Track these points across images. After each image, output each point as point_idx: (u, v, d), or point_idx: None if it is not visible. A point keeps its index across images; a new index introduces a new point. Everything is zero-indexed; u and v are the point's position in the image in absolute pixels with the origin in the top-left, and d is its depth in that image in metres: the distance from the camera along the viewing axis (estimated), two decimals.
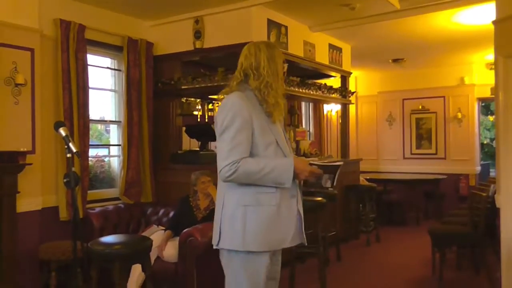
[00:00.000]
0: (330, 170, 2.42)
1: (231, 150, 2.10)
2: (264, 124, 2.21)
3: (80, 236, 2.67)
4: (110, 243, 3.21)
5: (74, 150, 2.45)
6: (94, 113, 5.60)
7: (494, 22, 3.84)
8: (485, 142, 14.98)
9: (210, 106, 6.17)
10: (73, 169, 2.44)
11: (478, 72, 8.67)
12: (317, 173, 2.25)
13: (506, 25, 3.67)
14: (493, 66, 4.16)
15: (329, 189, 2.44)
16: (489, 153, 14.52)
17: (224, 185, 2.21)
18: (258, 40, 2.53)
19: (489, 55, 7.78)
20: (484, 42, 6.55)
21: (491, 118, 14.79)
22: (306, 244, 2.33)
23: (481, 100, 9.03)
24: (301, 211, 2.31)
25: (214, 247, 2.26)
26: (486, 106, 13.90)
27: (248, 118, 2.14)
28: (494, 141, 15.14)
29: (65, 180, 2.51)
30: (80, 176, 4.55)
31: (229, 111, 2.15)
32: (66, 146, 2.45)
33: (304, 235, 2.32)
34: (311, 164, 2.28)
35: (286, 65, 2.40)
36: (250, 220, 2.13)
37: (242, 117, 2.13)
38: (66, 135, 2.50)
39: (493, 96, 4.35)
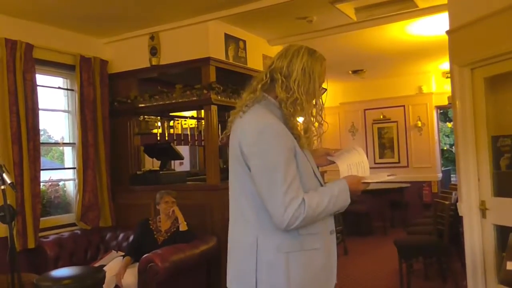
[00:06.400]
0: None
1: (288, 191, 1.63)
2: (300, 150, 1.76)
3: (18, 272, 2.44)
4: (59, 278, 2.99)
5: (8, 181, 2.26)
6: (55, 134, 5.47)
7: (447, 32, 3.87)
8: (445, 148, 15.35)
9: (171, 123, 6.00)
10: (8, 202, 2.24)
11: (435, 81, 8.88)
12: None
13: (459, 34, 3.70)
14: (449, 75, 4.19)
15: None
16: (449, 158, 14.86)
17: (255, 224, 1.73)
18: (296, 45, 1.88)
19: (444, 64, 7.96)
20: (438, 51, 6.68)
21: (449, 124, 15.17)
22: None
23: (439, 108, 9.23)
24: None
25: None
26: (444, 113, 14.27)
27: (291, 146, 1.71)
28: (453, 147, 15.54)
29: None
30: (31, 203, 4.30)
31: (269, 140, 1.67)
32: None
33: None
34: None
35: (324, 91, 1.89)
36: (294, 269, 1.71)
37: (286, 147, 1.69)
38: None
39: (450, 104, 4.39)
